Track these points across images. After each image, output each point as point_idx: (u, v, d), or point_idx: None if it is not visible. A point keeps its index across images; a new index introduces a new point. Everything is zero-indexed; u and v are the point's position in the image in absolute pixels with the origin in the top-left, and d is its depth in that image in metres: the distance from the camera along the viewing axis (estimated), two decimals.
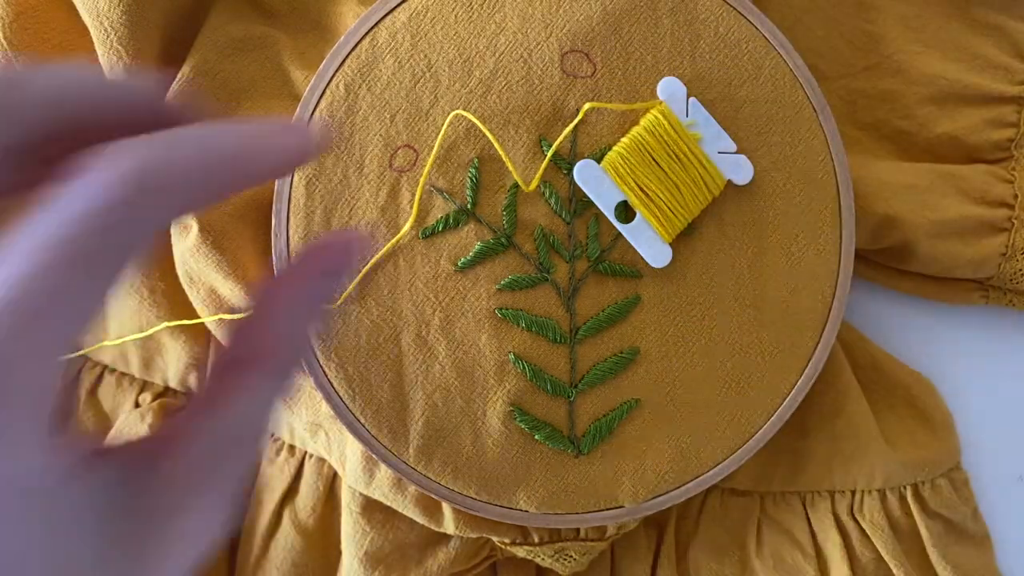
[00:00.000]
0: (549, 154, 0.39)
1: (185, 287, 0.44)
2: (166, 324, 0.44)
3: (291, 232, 0.40)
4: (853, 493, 0.47)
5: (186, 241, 0.41)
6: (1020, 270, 0.47)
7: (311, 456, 0.47)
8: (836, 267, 0.43)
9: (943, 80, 0.48)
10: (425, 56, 0.40)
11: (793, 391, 0.43)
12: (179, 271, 0.43)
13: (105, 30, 0.40)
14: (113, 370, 0.47)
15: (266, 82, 0.42)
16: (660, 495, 0.42)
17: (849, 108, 0.49)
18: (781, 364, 0.43)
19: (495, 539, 0.45)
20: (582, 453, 0.41)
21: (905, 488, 0.48)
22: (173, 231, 0.43)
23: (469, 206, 0.40)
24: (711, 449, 0.42)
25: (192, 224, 0.41)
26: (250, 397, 0.24)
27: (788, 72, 0.42)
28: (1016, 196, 0.48)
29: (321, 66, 0.40)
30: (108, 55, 0.40)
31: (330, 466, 0.46)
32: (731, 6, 0.42)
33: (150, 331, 0.44)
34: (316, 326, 0.26)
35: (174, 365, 0.46)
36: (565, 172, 0.40)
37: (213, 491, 0.23)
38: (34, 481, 0.20)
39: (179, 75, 0.41)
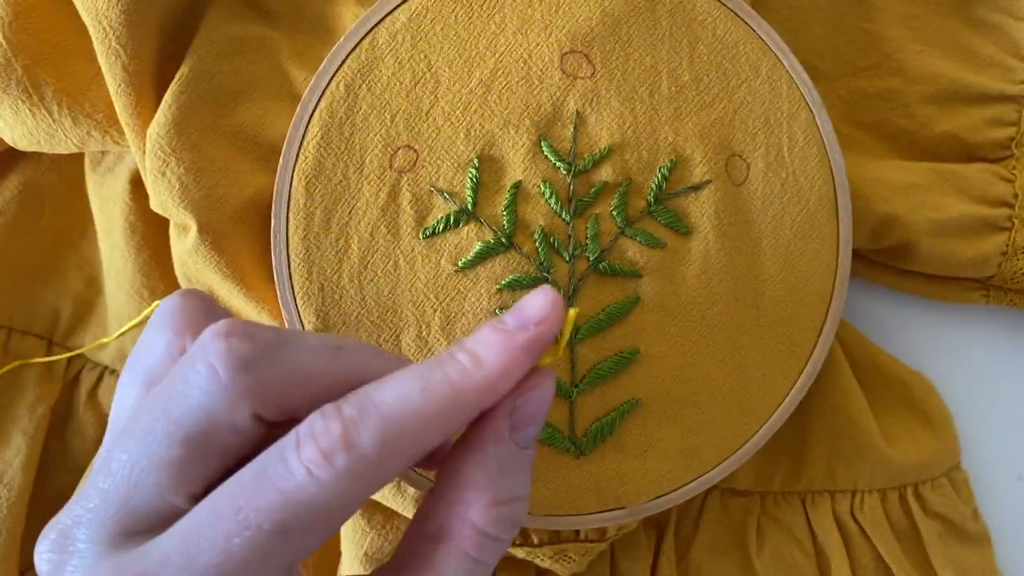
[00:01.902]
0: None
1: (182, 285, 0.43)
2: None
3: (291, 232, 0.40)
4: (853, 493, 0.48)
5: (185, 242, 0.41)
6: (1021, 269, 0.48)
7: None
8: (834, 266, 0.43)
9: (943, 79, 0.48)
10: (425, 57, 0.40)
11: (793, 390, 0.43)
12: (177, 272, 0.43)
13: (104, 30, 0.40)
14: (113, 371, 0.47)
15: (265, 83, 0.42)
16: (662, 495, 0.42)
17: (849, 107, 0.49)
18: (781, 363, 0.43)
19: None
20: (583, 454, 0.41)
21: (905, 488, 0.48)
22: (172, 232, 0.43)
23: (469, 206, 0.40)
24: (712, 449, 0.42)
25: (191, 225, 0.41)
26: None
27: (785, 74, 0.43)
28: (1016, 195, 0.48)
29: (321, 66, 0.40)
30: (107, 55, 0.40)
31: None
32: (729, 8, 0.42)
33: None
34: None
35: None
36: (564, 172, 0.40)
37: None
38: None
39: (177, 76, 0.41)
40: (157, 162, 0.40)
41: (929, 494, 0.48)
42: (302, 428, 0.26)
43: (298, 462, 0.25)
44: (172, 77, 0.41)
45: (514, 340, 0.29)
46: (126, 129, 0.42)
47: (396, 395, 0.27)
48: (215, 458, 0.27)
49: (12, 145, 0.44)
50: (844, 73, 0.49)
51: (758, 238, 0.42)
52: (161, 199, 0.41)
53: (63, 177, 0.47)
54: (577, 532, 0.44)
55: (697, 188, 0.41)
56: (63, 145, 0.43)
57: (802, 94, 0.43)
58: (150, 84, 0.41)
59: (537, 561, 0.45)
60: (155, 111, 0.41)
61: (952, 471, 0.49)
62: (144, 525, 0.27)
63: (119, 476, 0.27)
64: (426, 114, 0.40)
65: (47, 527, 0.28)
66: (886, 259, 0.49)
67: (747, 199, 0.42)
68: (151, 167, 0.40)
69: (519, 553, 0.44)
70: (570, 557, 0.45)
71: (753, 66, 0.42)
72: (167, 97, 0.40)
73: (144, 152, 0.41)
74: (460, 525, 0.28)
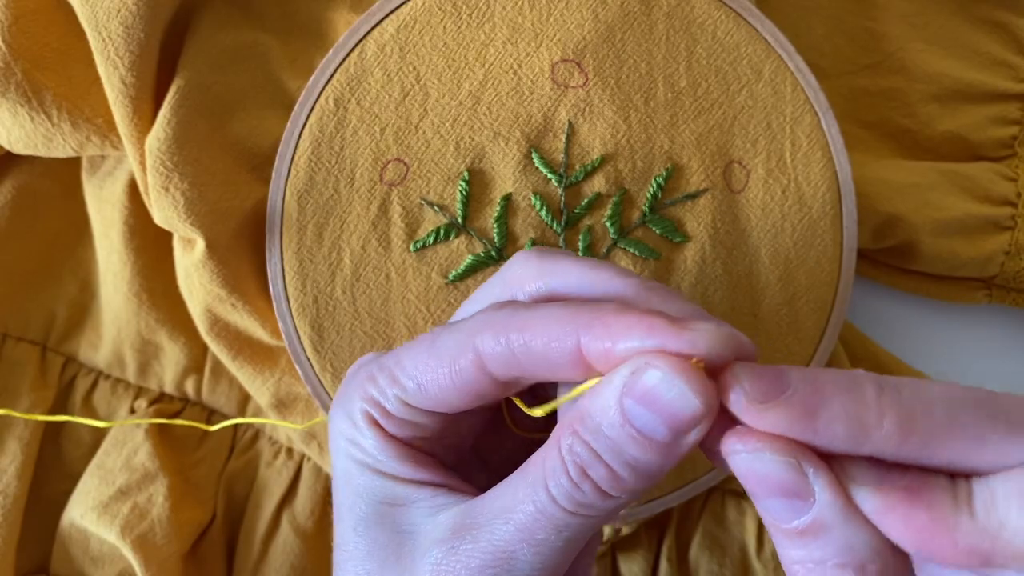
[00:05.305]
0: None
1: (185, 296, 0.44)
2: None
3: (284, 246, 0.40)
4: None
5: (192, 256, 0.41)
6: (1023, 268, 0.47)
7: (309, 459, 0.47)
8: (836, 275, 0.42)
9: (946, 78, 0.47)
10: (414, 68, 0.39)
11: None
12: (180, 283, 0.43)
13: (103, 40, 0.39)
14: (108, 376, 0.47)
15: (258, 92, 0.42)
16: (652, 500, 0.42)
17: (851, 106, 0.48)
18: None
19: None
20: None
21: None
22: (177, 245, 0.43)
23: (460, 219, 0.40)
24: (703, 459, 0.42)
25: (197, 239, 0.40)
26: None
27: (789, 75, 0.42)
28: (1019, 194, 0.47)
29: (310, 80, 0.39)
30: (105, 65, 0.40)
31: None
32: (730, 8, 0.41)
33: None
34: None
35: (171, 370, 0.46)
36: (556, 183, 0.40)
37: None
38: None
39: (173, 89, 0.40)
40: (160, 178, 0.40)
41: None
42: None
43: None
44: (168, 86, 0.41)
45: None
46: (123, 139, 0.41)
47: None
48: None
49: (8, 149, 0.44)
50: (846, 71, 0.48)
51: (757, 246, 0.41)
52: (166, 215, 0.40)
53: (58, 182, 0.47)
54: None
55: (693, 196, 0.41)
56: (61, 149, 0.43)
57: (807, 97, 0.42)
58: (148, 94, 0.41)
59: None
60: (152, 121, 0.41)
61: None
62: None
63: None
64: (415, 127, 0.39)
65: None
66: (888, 258, 0.49)
67: (746, 207, 0.41)
68: (153, 183, 0.40)
69: None
70: None
71: (755, 69, 0.41)
72: (165, 112, 0.40)
73: (140, 162, 0.41)
74: (547, 451, 0.27)
